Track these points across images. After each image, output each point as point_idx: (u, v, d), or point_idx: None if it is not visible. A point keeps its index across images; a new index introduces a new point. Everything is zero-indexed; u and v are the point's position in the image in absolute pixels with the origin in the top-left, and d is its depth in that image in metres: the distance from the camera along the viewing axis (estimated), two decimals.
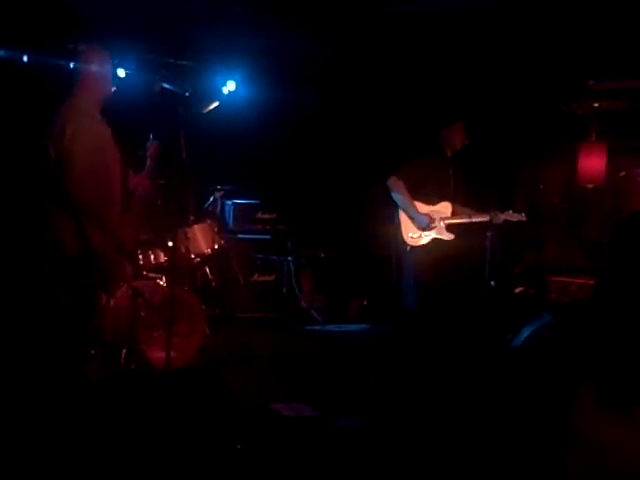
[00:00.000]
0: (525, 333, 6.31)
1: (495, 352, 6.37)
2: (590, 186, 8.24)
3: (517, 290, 8.05)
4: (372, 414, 5.01)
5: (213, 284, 7.30)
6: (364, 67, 7.85)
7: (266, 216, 8.68)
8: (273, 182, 8.83)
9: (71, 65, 7.38)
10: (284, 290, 8.57)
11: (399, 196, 6.22)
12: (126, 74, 7.62)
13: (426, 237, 6.24)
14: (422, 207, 6.25)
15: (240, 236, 8.47)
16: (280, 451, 4.28)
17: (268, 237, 8.70)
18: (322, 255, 8.95)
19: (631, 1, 5.69)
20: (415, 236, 6.25)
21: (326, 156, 8.77)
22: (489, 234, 6.38)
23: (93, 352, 6.01)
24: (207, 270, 7.26)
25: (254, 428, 4.50)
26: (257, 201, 8.76)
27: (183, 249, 6.68)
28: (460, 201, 6.37)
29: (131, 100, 7.72)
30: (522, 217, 6.27)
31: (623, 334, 2.72)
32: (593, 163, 8.24)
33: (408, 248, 6.26)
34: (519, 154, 8.61)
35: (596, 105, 8.14)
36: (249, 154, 8.63)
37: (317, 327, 8.33)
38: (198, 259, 6.93)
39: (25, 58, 6.76)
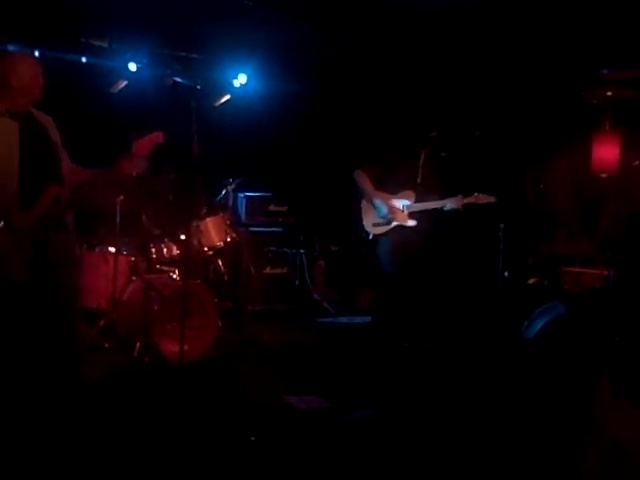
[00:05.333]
0: (539, 324, 6.28)
1: (509, 342, 6.34)
2: (604, 176, 8.16)
3: (530, 281, 8.01)
4: (384, 406, 4.98)
5: (225, 277, 7.30)
6: (375, 59, 7.81)
7: (278, 209, 8.65)
8: (285, 175, 8.81)
9: (83, 59, 7.44)
10: (296, 282, 8.56)
11: (362, 187, 6.40)
12: (137, 68, 7.63)
13: (387, 225, 6.35)
14: (385, 197, 6.38)
15: (252, 229, 8.45)
16: (292, 443, 4.26)
17: (280, 230, 8.69)
18: (334, 248, 8.93)
19: None
20: (377, 224, 6.38)
21: (338, 148, 8.73)
22: (502, 225, 6.36)
23: (107, 345, 6.05)
24: (219, 263, 7.26)
25: (267, 420, 4.49)
26: (269, 194, 8.73)
27: (196, 242, 6.69)
28: (427, 191, 6.40)
29: (143, 94, 7.74)
30: (491, 199, 6.22)
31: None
32: (607, 153, 8.17)
33: (371, 236, 6.41)
34: (530, 144, 8.55)
35: (609, 94, 8.05)
36: (261, 147, 8.61)
37: (329, 319, 8.33)
38: (210, 252, 6.94)
39: (37, 53, 6.76)
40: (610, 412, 2.62)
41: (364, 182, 6.39)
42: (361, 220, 6.48)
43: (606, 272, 6.95)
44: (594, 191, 8.38)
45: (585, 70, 7.55)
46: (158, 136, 4.56)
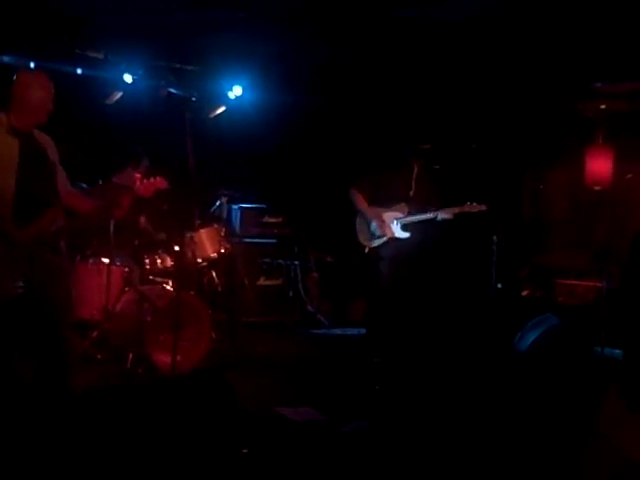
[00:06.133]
0: (532, 336, 6.29)
1: (502, 355, 6.34)
2: (597, 188, 8.20)
3: (524, 293, 8.02)
4: (379, 418, 4.98)
5: (219, 288, 7.29)
6: (370, 71, 7.83)
7: (272, 220, 8.65)
8: (280, 186, 8.82)
9: (78, 71, 7.45)
10: (290, 294, 8.55)
11: (356, 204, 6.63)
12: (133, 80, 7.64)
13: (380, 239, 6.55)
14: (378, 212, 6.57)
15: (246, 240, 8.44)
16: (286, 455, 4.25)
17: (274, 241, 8.68)
18: (328, 259, 8.93)
19: (638, 3, 5.65)
20: (371, 238, 6.59)
21: (333, 160, 8.76)
22: (495, 237, 6.39)
23: (99, 356, 6.03)
24: (213, 274, 7.25)
25: (260, 432, 4.48)
26: (263, 205, 8.73)
27: (189, 253, 6.68)
28: (421, 203, 6.55)
29: (138, 105, 7.75)
30: (482, 208, 6.37)
31: None
32: (600, 166, 8.21)
33: (366, 250, 6.61)
34: (525, 157, 8.58)
35: (603, 107, 8.10)
36: (256, 158, 8.63)
37: (323, 331, 8.32)
38: (204, 263, 6.93)
39: (32, 64, 6.78)
40: (621, 428, 2.60)
41: (357, 200, 6.61)
42: (356, 235, 6.65)
43: (599, 284, 6.97)
44: (589, 203, 8.41)
45: (579, 83, 7.59)
46: (162, 182, 4.64)
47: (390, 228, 6.51)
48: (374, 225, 6.53)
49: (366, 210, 6.58)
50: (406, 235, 6.52)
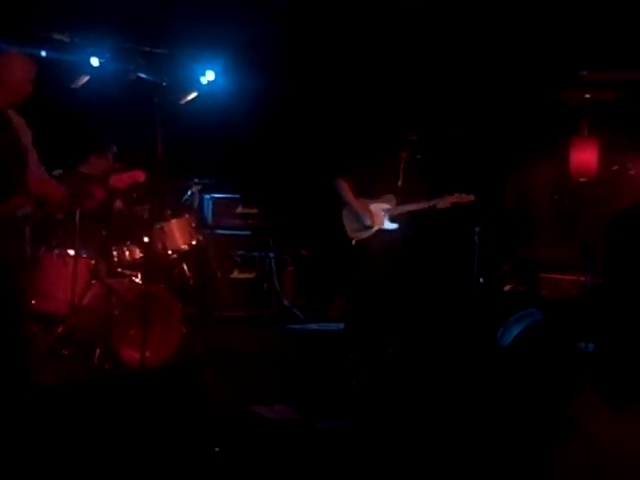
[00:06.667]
0: (515, 331, 6.32)
1: (484, 350, 6.37)
2: (582, 180, 8.23)
3: (507, 287, 8.06)
4: (356, 415, 4.98)
5: (191, 281, 7.26)
6: (352, 57, 7.82)
7: (246, 211, 8.64)
8: (254, 176, 8.79)
9: (43, 54, 7.37)
10: (265, 288, 8.55)
11: (343, 196, 6.68)
12: (100, 63, 7.56)
13: (369, 230, 6.61)
14: (365, 203, 6.63)
15: (219, 231, 8.42)
16: (261, 454, 4.24)
17: (248, 233, 8.67)
18: (304, 252, 8.93)
19: None
20: (359, 230, 6.63)
21: (311, 149, 8.73)
22: (477, 229, 6.43)
23: (66, 352, 5.97)
24: (184, 267, 7.21)
25: (233, 431, 4.46)
26: (237, 195, 8.71)
27: (159, 245, 6.64)
28: (409, 193, 6.64)
29: (105, 90, 7.68)
30: (470, 198, 6.51)
31: (624, 331, 2.70)
32: (585, 157, 8.23)
33: (354, 242, 6.65)
34: (508, 146, 8.60)
35: (588, 96, 8.12)
36: (229, 146, 8.58)
37: (299, 326, 8.32)
38: (175, 255, 6.89)
39: None
40: (594, 419, 2.64)
41: (344, 191, 6.65)
42: (343, 227, 6.70)
43: (584, 278, 7.02)
44: (574, 195, 8.45)
45: (564, 71, 7.61)
46: (139, 175, 4.59)
47: (379, 219, 6.58)
48: (363, 216, 6.57)
49: (354, 201, 6.62)
50: (394, 226, 6.61)
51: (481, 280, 6.71)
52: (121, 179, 4.59)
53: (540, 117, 8.35)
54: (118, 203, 6.70)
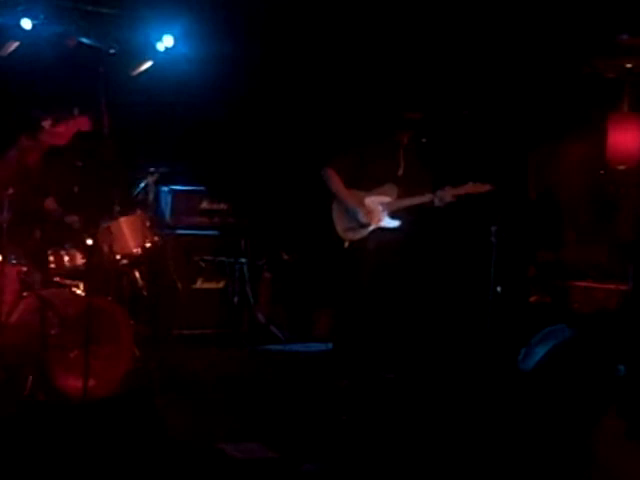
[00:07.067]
0: (540, 352, 6.36)
1: (503, 376, 6.41)
2: (621, 168, 8.31)
3: (531, 298, 8.11)
4: (346, 456, 5.02)
5: (145, 293, 7.27)
6: (335, 18, 7.85)
7: (213, 207, 8.66)
8: (222, 163, 8.81)
9: None
10: (236, 300, 8.57)
11: (332, 188, 6.71)
12: (33, 25, 7.57)
13: (365, 229, 6.63)
14: (359, 196, 6.65)
15: (180, 232, 8.45)
16: None
17: (216, 233, 8.70)
18: (284, 257, 8.96)
19: None
20: (351, 229, 6.65)
21: (290, 131, 8.75)
22: (494, 228, 6.46)
23: None
24: (137, 275, 7.22)
25: (196, 473, 4.49)
26: (201, 187, 8.74)
27: (106, 248, 6.65)
28: (412, 184, 6.68)
29: (39, 58, 7.69)
30: (486, 187, 6.54)
31: None
32: (625, 139, 8.31)
33: (346, 244, 6.66)
34: (532, 128, 8.64)
35: (629, 66, 8.19)
36: (191, 128, 8.60)
37: (278, 347, 8.34)
38: (125, 261, 6.90)
39: None
40: (620, 454, 2.69)
41: (334, 181, 6.68)
42: (333, 226, 6.72)
43: (624, 287, 7.07)
44: (610, 186, 8.51)
45: (600, 36, 7.66)
46: (83, 122, 4.57)
47: (377, 215, 6.61)
48: (358, 212, 6.59)
49: (345, 194, 6.66)
50: (395, 224, 6.64)
51: (499, 289, 6.75)
52: (59, 133, 4.52)
53: (571, 91, 8.40)
54: (50, 202, 6.70)
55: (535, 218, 8.64)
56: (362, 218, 6.58)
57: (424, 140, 6.77)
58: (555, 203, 8.80)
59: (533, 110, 8.42)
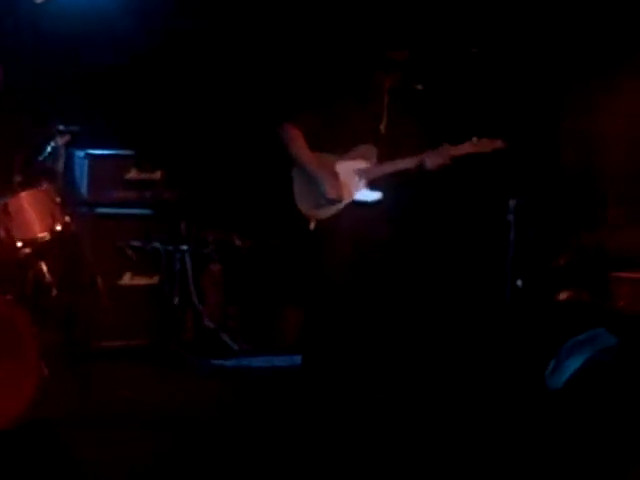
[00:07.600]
0: (573, 365, 6.43)
1: (526, 394, 6.47)
2: None
3: (561, 295, 8.16)
4: None
5: (54, 291, 7.26)
6: None
7: (143, 176, 8.63)
8: (153, 120, 8.78)
9: None
10: (176, 300, 8.58)
11: (293, 151, 6.72)
12: None
13: (334, 205, 6.65)
14: (329, 161, 6.69)
15: (100, 210, 8.43)
16: None
17: (147, 212, 8.67)
18: (237, 243, 8.95)
19: None
20: (319, 206, 6.68)
21: (239, 76, 8.74)
22: (512, 202, 6.48)
23: None
24: (44, 268, 7.22)
25: None
26: (128, 151, 8.70)
27: (3, 233, 6.65)
28: (398, 143, 6.72)
29: None
30: (495, 144, 6.54)
31: None
32: None
33: (312, 225, 6.68)
34: (563, 75, 8.68)
35: None
36: (112, 73, 8.56)
37: (231, 362, 8.36)
38: (28, 249, 6.90)
39: None
40: None
41: (295, 142, 6.68)
42: (294, 201, 6.73)
43: None
44: None
45: None
46: None
47: (349, 187, 6.63)
48: (327, 183, 6.60)
49: (310, 160, 6.67)
50: (376, 197, 6.66)
51: (519, 284, 6.79)
52: None
53: (612, 25, 8.43)
54: None
55: (568, 190, 8.69)
56: (332, 191, 6.59)
57: (420, 87, 6.74)
58: (596, 171, 8.84)
59: (563, 52, 8.45)
